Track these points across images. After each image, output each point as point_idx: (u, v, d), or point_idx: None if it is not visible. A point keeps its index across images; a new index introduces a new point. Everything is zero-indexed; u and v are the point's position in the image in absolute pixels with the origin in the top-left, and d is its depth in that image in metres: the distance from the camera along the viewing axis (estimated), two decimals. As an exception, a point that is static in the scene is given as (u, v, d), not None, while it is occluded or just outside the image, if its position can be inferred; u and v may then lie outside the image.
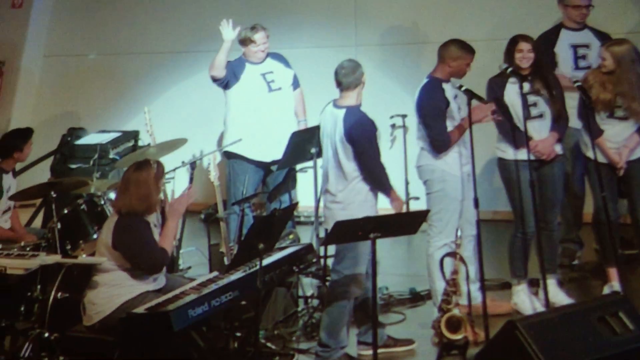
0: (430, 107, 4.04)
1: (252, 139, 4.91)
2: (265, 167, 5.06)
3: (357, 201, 3.72)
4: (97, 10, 6.97)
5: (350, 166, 3.71)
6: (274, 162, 4.96)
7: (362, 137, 3.68)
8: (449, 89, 4.07)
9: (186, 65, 6.63)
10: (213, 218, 5.19)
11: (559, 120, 4.18)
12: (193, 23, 6.66)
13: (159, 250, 3.59)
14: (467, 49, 4.07)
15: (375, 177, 3.72)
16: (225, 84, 5.00)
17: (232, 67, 4.99)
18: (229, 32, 4.96)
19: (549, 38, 4.72)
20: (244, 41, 4.97)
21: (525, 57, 4.09)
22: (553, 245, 4.28)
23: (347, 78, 3.73)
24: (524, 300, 4.19)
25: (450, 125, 4.04)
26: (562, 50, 4.72)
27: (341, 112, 3.73)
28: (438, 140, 4.02)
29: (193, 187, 3.90)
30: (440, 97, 4.03)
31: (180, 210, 3.72)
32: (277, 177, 5.04)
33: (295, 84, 5.17)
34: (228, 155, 5.03)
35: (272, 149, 4.90)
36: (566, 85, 4.31)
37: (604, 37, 4.67)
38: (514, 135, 4.09)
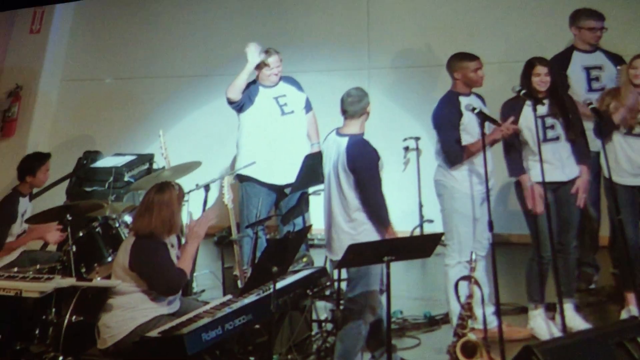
0: (442, 119, 4.08)
1: (264, 163, 4.93)
2: (277, 191, 5.07)
3: (365, 230, 3.69)
4: (114, 35, 7.08)
5: (352, 195, 3.70)
6: (286, 186, 4.97)
7: (364, 167, 3.67)
8: (466, 103, 4.08)
9: (201, 89, 6.70)
10: (227, 241, 5.19)
11: (579, 145, 4.15)
12: (208, 47, 6.73)
13: (177, 271, 3.60)
14: (466, 57, 4.12)
15: (374, 208, 3.69)
16: (240, 107, 5.04)
17: (249, 91, 5.03)
18: (254, 56, 4.97)
19: (561, 60, 4.72)
20: (258, 65, 5.02)
21: (542, 80, 4.09)
22: (570, 268, 4.24)
23: (352, 106, 3.74)
24: (541, 325, 4.14)
25: (464, 138, 4.05)
26: (575, 72, 4.71)
27: (344, 141, 3.73)
28: (448, 152, 4.05)
29: (213, 208, 3.91)
30: (453, 109, 4.07)
31: (200, 234, 3.72)
32: (291, 200, 5.05)
33: (308, 107, 5.19)
34: (241, 179, 5.05)
35: (284, 173, 4.91)
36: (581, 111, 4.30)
37: (616, 59, 4.66)
38: (519, 160, 4.08)
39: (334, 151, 3.78)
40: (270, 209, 5.10)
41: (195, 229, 3.72)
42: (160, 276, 3.54)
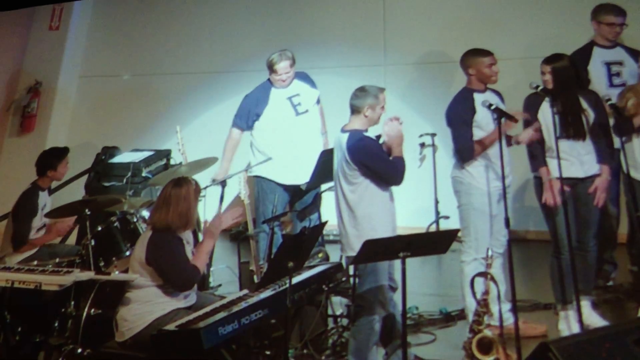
0: (454, 115, 4.08)
1: (280, 164, 4.94)
2: (292, 190, 5.07)
3: (370, 226, 3.68)
4: (132, 32, 7.12)
5: (350, 189, 3.71)
6: (301, 186, 4.97)
7: (367, 154, 3.67)
8: (480, 99, 4.06)
9: (219, 85, 6.72)
10: (243, 236, 5.22)
11: (600, 144, 4.09)
12: (226, 44, 6.75)
13: (191, 267, 3.62)
14: (478, 53, 4.10)
15: (399, 175, 3.68)
16: (251, 124, 5.03)
17: (253, 109, 5.01)
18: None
19: (582, 56, 4.67)
20: (270, 67, 5.00)
21: (545, 79, 4.05)
22: (588, 266, 4.19)
23: (352, 102, 3.76)
24: (566, 328, 4.09)
25: (477, 135, 4.04)
26: (596, 68, 4.66)
27: (345, 136, 3.75)
28: (459, 148, 4.06)
29: (233, 210, 3.94)
30: (466, 105, 4.06)
31: (216, 231, 3.75)
32: (307, 198, 5.06)
33: (318, 101, 5.22)
34: (256, 177, 5.06)
35: (299, 173, 4.91)
36: None
37: (636, 55, 4.62)
38: (541, 154, 4.06)
39: (338, 148, 3.80)
40: (285, 205, 5.12)
41: (211, 228, 3.75)
42: (175, 271, 3.57)
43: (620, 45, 4.74)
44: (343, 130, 3.80)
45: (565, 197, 3.99)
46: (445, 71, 6.12)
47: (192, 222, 3.70)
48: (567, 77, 4.04)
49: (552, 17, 5.87)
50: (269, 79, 5.06)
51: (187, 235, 3.74)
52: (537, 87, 4.06)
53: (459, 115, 4.06)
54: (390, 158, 3.71)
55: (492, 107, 3.92)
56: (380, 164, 3.67)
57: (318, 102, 5.21)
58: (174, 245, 3.61)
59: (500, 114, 3.89)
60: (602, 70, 4.66)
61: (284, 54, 4.99)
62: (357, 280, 3.82)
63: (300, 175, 4.91)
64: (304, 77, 5.18)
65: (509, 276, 3.84)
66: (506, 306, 3.95)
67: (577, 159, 4.08)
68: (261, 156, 5.02)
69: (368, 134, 3.77)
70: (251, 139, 5.13)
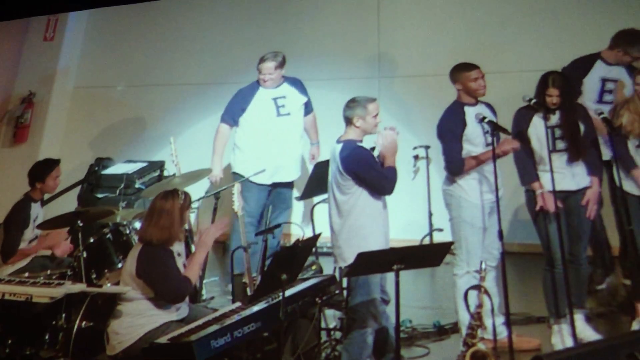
0: (444, 129, 4.10)
1: (256, 163, 5.01)
2: (267, 190, 5.13)
3: (361, 235, 3.70)
4: (126, 43, 7.12)
5: (343, 199, 3.73)
6: (275, 185, 5.05)
7: (359, 164, 3.70)
8: (471, 113, 4.08)
9: (213, 96, 6.72)
10: (236, 248, 5.20)
11: (591, 156, 4.11)
12: (220, 55, 6.76)
13: (182, 279, 3.60)
14: (464, 68, 4.13)
15: (389, 184, 3.70)
16: (236, 120, 5.15)
17: (243, 97, 5.12)
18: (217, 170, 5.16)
19: (583, 66, 4.67)
20: (258, 69, 5.12)
21: (553, 102, 4.07)
22: (581, 279, 4.19)
23: (344, 112, 3.82)
24: (559, 342, 4.08)
25: (469, 149, 4.05)
26: (592, 81, 4.67)
27: (339, 147, 3.79)
28: (448, 162, 4.07)
29: (223, 218, 3.93)
30: (456, 119, 4.07)
31: (208, 243, 3.73)
32: (279, 200, 5.08)
33: (309, 109, 5.30)
34: (234, 177, 5.13)
35: (273, 173, 5.03)
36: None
37: (632, 71, 4.62)
38: (532, 168, 4.07)
39: (332, 159, 3.83)
40: (261, 204, 5.16)
41: (203, 238, 3.73)
42: (166, 284, 3.55)
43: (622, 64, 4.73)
44: (338, 141, 3.83)
45: (558, 210, 4.00)
46: (439, 83, 6.10)
47: (174, 237, 3.64)
48: (571, 90, 4.07)
49: (544, 31, 5.91)
50: (257, 80, 5.17)
51: (178, 247, 3.72)
52: (530, 100, 4.08)
53: (449, 128, 4.07)
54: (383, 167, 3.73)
55: (486, 120, 3.94)
56: (371, 173, 3.69)
57: (308, 110, 5.27)
58: (164, 258, 3.59)
59: (494, 127, 3.91)
60: (597, 85, 4.67)
61: (273, 55, 5.12)
62: (348, 293, 3.81)
63: (274, 175, 5.03)
64: (295, 82, 5.27)
65: (502, 289, 3.83)
66: (500, 319, 3.94)
67: (569, 172, 4.10)
68: (239, 152, 5.16)
69: (362, 144, 3.79)
70: (234, 137, 5.22)
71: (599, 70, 4.68)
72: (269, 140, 5.08)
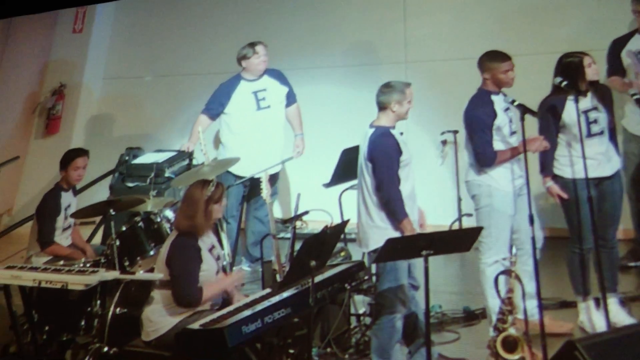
0: (475, 119, 4.00)
1: (235, 155, 5.05)
2: (246, 183, 5.17)
3: (381, 227, 3.68)
4: (154, 33, 7.17)
5: (372, 188, 3.70)
6: (252, 178, 5.06)
7: (379, 156, 3.68)
8: (499, 101, 4.01)
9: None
10: (265, 235, 5.24)
11: (614, 137, 4.06)
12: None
13: (195, 288, 3.56)
14: (496, 58, 4.00)
15: (385, 200, 3.67)
16: (217, 113, 5.26)
17: (227, 90, 5.20)
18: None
19: (621, 43, 4.57)
20: (244, 56, 5.17)
21: (594, 71, 3.98)
22: (613, 263, 4.14)
23: (379, 97, 3.79)
24: (586, 320, 4.06)
25: (497, 139, 3.99)
26: (630, 55, 4.56)
27: (370, 131, 3.77)
28: (481, 154, 3.97)
29: (240, 271, 3.99)
30: (486, 109, 3.98)
31: (228, 286, 3.72)
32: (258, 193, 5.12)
33: (291, 99, 5.33)
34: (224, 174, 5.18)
35: (252, 165, 5.04)
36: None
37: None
38: (550, 161, 4.02)
39: (363, 143, 3.80)
40: (239, 199, 5.23)
41: (228, 280, 3.71)
42: (179, 282, 3.54)
43: None
44: (370, 126, 3.81)
45: (591, 194, 3.93)
46: (466, 67, 6.05)
47: (199, 227, 3.61)
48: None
49: (568, 13, 5.80)
50: (239, 74, 5.24)
51: (210, 240, 3.72)
52: (562, 82, 3.98)
53: (481, 120, 3.96)
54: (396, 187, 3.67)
55: (515, 104, 3.87)
56: (381, 169, 3.66)
57: (290, 101, 5.30)
58: (190, 254, 3.56)
59: (524, 111, 3.83)
60: (635, 58, 4.53)
61: (257, 41, 5.20)
62: (376, 279, 3.81)
63: (252, 168, 5.03)
64: (275, 74, 5.31)
65: (533, 273, 3.80)
66: (532, 303, 3.91)
67: (604, 156, 4.03)
68: (224, 149, 5.27)
69: (395, 130, 3.76)
70: (219, 132, 5.31)
71: (636, 43, 4.56)
72: (249, 134, 5.16)
